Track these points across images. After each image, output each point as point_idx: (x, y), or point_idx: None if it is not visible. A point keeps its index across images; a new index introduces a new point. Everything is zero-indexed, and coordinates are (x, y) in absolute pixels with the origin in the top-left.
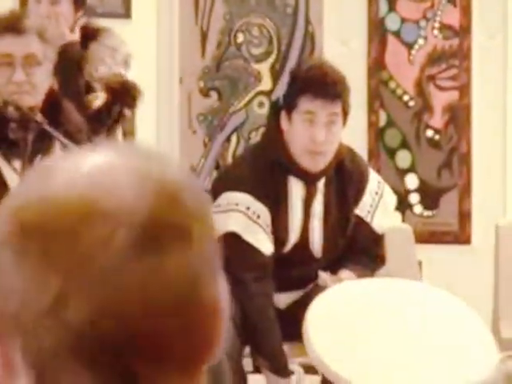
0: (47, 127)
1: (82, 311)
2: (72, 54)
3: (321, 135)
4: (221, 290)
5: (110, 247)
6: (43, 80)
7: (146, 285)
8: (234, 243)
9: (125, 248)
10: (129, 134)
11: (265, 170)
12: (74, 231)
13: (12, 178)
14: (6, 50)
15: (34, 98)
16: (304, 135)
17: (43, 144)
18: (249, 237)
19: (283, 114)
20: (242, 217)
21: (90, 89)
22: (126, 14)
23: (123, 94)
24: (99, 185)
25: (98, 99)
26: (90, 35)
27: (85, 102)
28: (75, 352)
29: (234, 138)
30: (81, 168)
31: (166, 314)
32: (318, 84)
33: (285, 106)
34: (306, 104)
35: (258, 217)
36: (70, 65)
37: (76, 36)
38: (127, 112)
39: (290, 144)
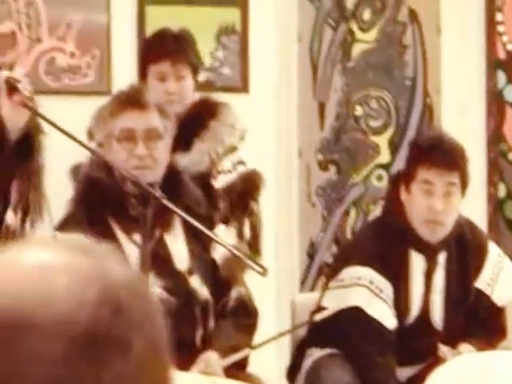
0: (166, 202)
1: None
2: None
3: (439, 204)
4: None
5: (42, 362)
6: (164, 154)
7: None
8: (357, 317)
9: (58, 362)
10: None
11: (386, 244)
12: (5, 344)
13: (132, 252)
14: (128, 124)
15: (154, 173)
16: (422, 205)
17: (163, 219)
18: (372, 311)
19: (402, 185)
20: (366, 291)
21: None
22: (244, 87)
23: (250, 188)
24: (35, 291)
25: (222, 208)
26: (209, 111)
27: (214, 192)
28: None
29: (352, 212)
30: (16, 268)
31: None
32: (435, 153)
33: (404, 176)
34: (423, 173)
35: (381, 291)
36: None
37: None
38: (255, 206)
39: (409, 215)
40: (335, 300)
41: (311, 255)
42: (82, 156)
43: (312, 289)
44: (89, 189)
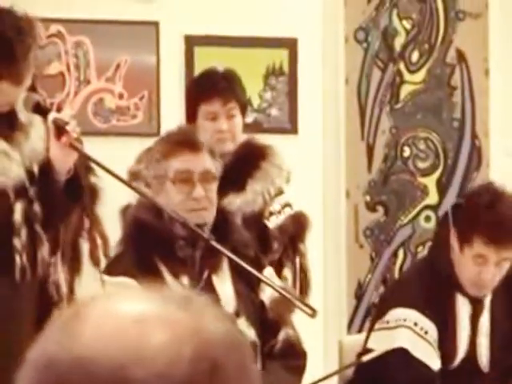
0: (215, 244)
1: None
2: None
3: (489, 274)
4: None
5: None
6: (216, 196)
7: None
8: (402, 359)
9: None
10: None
11: (432, 286)
12: None
13: None
14: (184, 166)
15: (210, 214)
16: (473, 272)
17: (211, 260)
18: (417, 352)
19: (455, 241)
20: (410, 333)
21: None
22: (293, 129)
23: (298, 230)
24: (132, 346)
25: (276, 249)
26: (256, 152)
27: (269, 232)
28: None
29: (400, 253)
30: (113, 322)
31: None
32: (494, 230)
33: (458, 235)
34: (479, 247)
35: (426, 332)
36: None
37: None
38: (302, 247)
39: (457, 270)
40: (381, 342)
41: (359, 296)
42: (130, 197)
43: (360, 330)
44: (137, 230)
